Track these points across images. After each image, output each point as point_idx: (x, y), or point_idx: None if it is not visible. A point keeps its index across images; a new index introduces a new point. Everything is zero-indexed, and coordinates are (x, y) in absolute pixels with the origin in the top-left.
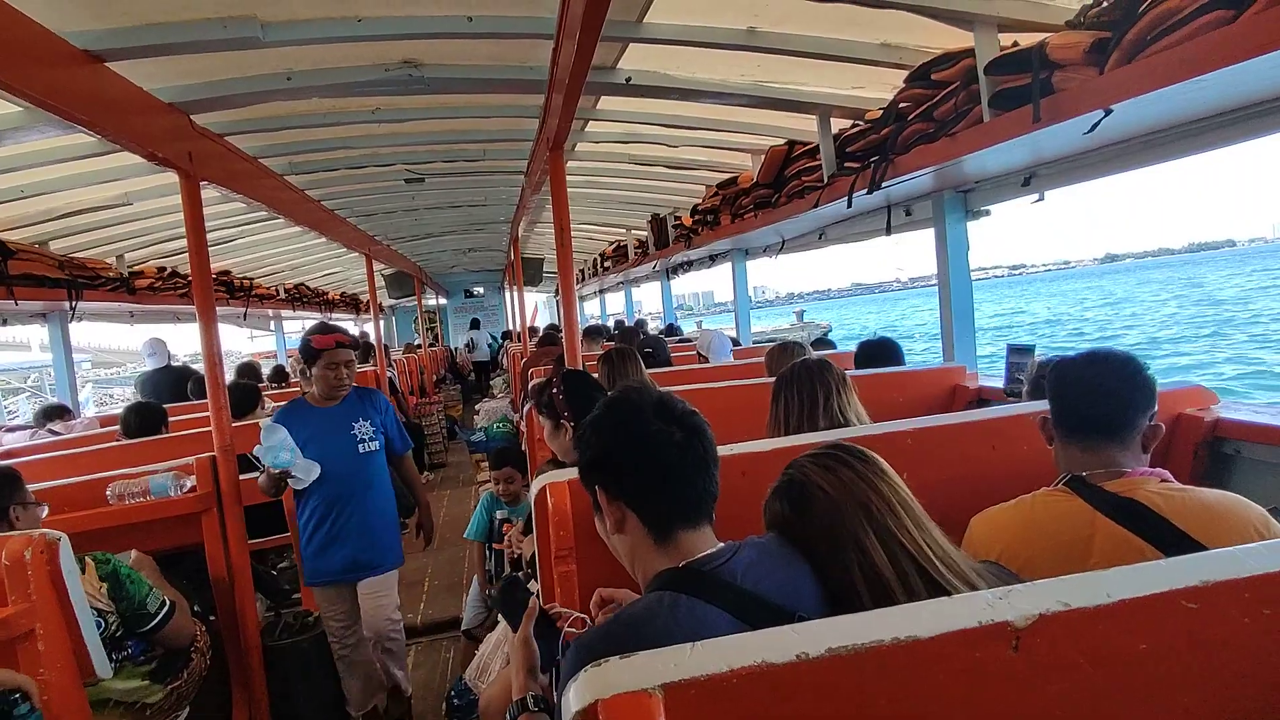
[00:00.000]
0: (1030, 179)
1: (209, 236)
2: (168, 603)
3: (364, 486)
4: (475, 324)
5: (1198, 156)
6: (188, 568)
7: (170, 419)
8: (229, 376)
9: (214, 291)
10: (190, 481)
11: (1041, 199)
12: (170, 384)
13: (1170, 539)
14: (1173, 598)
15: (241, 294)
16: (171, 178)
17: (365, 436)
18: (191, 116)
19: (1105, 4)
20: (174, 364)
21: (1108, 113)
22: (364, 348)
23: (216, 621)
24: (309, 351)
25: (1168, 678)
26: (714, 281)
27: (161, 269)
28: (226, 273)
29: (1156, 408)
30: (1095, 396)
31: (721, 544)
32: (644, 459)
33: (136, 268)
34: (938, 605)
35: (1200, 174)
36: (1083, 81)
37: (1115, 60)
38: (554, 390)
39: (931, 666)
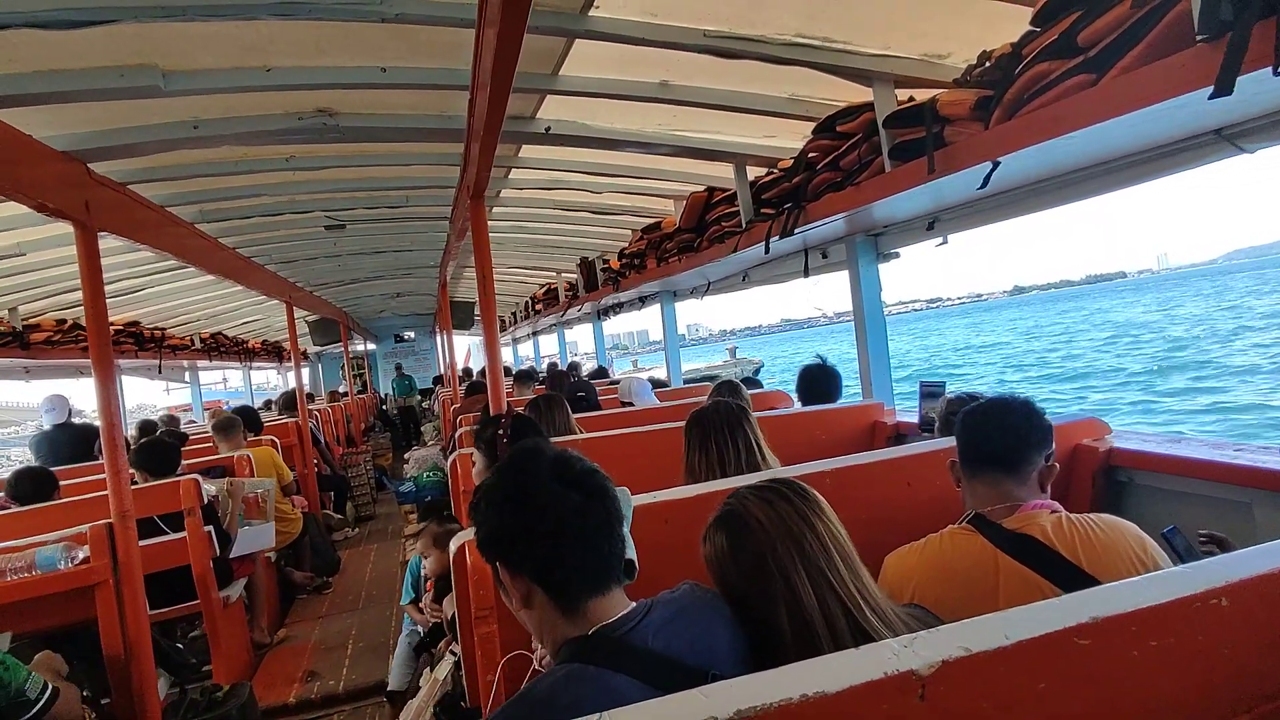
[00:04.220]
0: (934, 224)
1: (116, 286)
2: (50, 688)
3: None
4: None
5: None
6: (82, 647)
7: (69, 481)
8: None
9: (121, 343)
10: (83, 553)
11: (945, 242)
12: (70, 442)
13: (1063, 573)
14: (1065, 636)
15: (152, 345)
16: (69, 226)
17: None
18: (89, 165)
19: (988, 65)
20: (75, 421)
21: (996, 164)
22: (284, 399)
23: (111, 705)
24: None
25: (1069, 715)
26: (648, 321)
27: (61, 321)
28: (135, 323)
29: (1053, 449)
30: (997, 433)
31: (633, 604)
32: (544, 530)
33: (32, 320)
34: (844, 657)
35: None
36: (970, 136)
37: (998, 117)
38: (500, 432)
39: None
